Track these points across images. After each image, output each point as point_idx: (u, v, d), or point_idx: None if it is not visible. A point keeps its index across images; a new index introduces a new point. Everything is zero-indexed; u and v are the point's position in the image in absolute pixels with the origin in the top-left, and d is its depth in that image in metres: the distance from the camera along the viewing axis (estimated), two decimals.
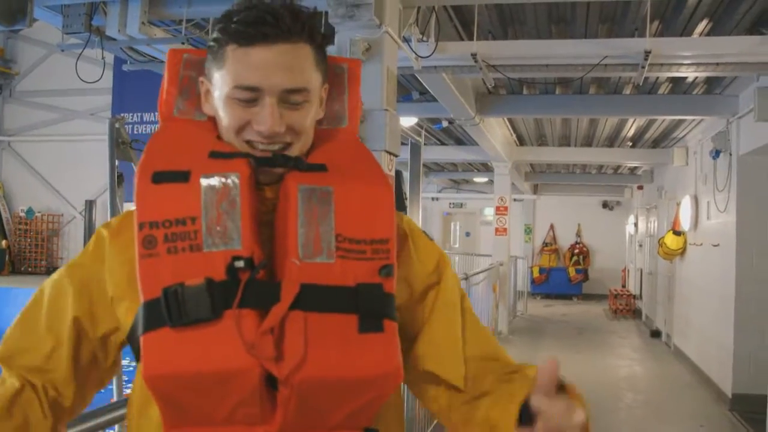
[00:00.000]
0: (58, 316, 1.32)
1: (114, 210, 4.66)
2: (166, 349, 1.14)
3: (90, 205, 18.14)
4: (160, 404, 1.17)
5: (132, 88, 12.57)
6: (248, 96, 1.25)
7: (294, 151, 1.29)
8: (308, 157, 1.31)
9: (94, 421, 1.96)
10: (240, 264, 1.16)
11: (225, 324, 1.14)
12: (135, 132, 12.70)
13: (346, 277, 1.20)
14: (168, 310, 1.14)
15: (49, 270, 18.43)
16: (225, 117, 1.27)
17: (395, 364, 1.20)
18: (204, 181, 1.21)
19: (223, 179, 1.21)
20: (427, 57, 5.21)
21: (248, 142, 1.27)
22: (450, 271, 1.43)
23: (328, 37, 1.34)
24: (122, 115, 4.54)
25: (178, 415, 1.18)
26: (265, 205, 1.27)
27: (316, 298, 1.17)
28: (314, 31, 1.29)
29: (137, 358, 1.27)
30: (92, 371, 1.35)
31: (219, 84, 1.28)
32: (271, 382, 1.15)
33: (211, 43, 1.30)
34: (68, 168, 18.51)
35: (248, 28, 1.23)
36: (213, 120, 1.34)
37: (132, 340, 1.26)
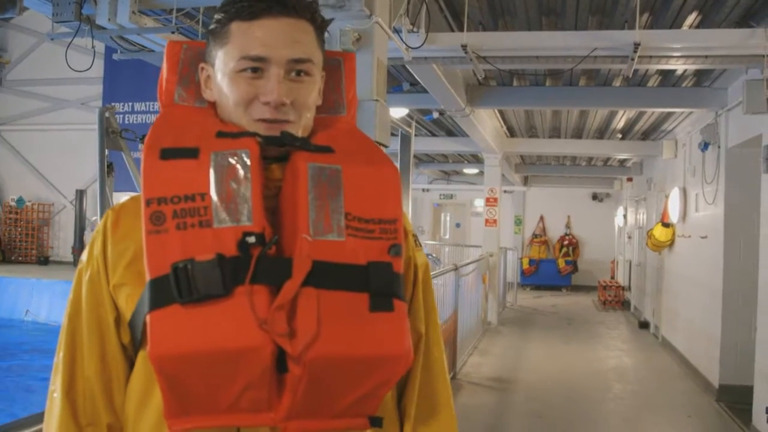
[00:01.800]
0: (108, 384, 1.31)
1: (103, 199, 4.66)
2: (175, 326, 1.12)
3: (80, 194, 18.20)
4: (164, 389, 1.15)
5: (123, 77, 12.54)
6: (255, 65, 1.26)
7: (298, 130, 1.30)
8: (312, 140, 1.31)
9: None
10: (251, 239, 1.15)
11: (236, 300, 1.13)
12: (126, 121, 12.69)
13: (357, 256, 1.20)
14: (177, 286, 1.13)
15: (40, 260, 18.41)
16: (231, 93, 1.28)
17: (406, 346, 1.20)
18: (214, 158, 1.21)
19: (233, 156, 1.21)
20: (418, 48, 5.22)
21: (255, 121, 1.28)
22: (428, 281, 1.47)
23: (328, 21, 1.36)
24: (112, 104, 4.53)
25: (182, 403, 1.16)
26: (269, 189, 1.27)
27: (327, 276, 1.17)
28: (315, 12, 1.32)
29: (139, 345, 1.26)
30: None
31: (224, 61, 1.29)
32: (279, 366, 1.14)
33: (214, 26, 1.32)
34: (59, 157, 18.48)
35: (253, 3, 1.26)
36: (213, 106, 1.35)
37: (134, 325, 1.26)
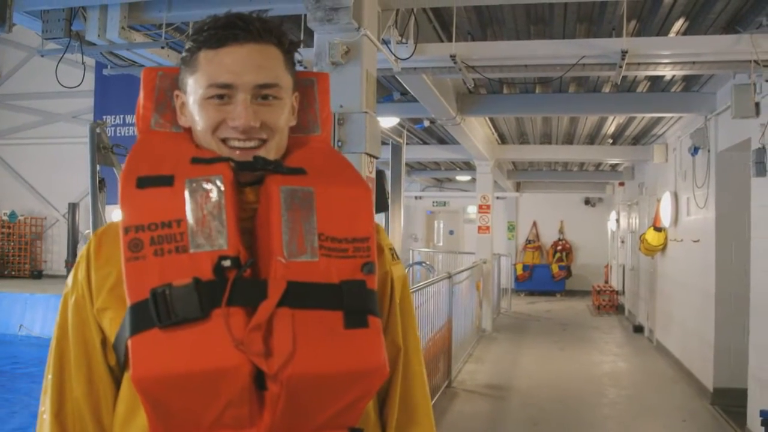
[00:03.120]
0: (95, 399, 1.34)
1: (95, 214, 4.66)
2: (155, 350, 1.16)
3: (73, 208, 18.16)
4: (148, 410, 1.18)
5: (114, 90, 12.51)
6: (222, 92, 1.29)
7: (270, 151, 1.33)
8: (285, 162, 1.34)
9: None
10: (227, 263, 1.19)
11: (213, 323, 1.16)
12: (118, 134, 12.65)
13: (330, 275, 1.23)
14: (156, 310, 1.16)
15: (33, 274, 18.35)
16: (200, 119, 1.32)
17: (381, 360, 1.24)
18: (188, 184, 1.24)
19: (207, 182, 1.25)
20: (407, 59, 5.24)
21: (224, 141, 1.31)
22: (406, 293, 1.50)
23: (296, 44, 1.39)
24: (103, 119, 4.53)
25: (166, 423, 1.19)
26: (245, 211, 1.30)
27: (302, 295, 1.20)
28: (282, 36, 1.35)
29: (123, 367, 1.29)
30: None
31: (193, 88, 1.32)
32: (259, 383, 1.17)
33: (184, 54, 1.36)
34: (51, 171, 18.46)
35: (218, 31, 1.30)
36: (189, 132, 1.37)
37: (117, 348, 1.28)
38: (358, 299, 1.24)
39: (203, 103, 1.31)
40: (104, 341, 1.32)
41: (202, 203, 1.23)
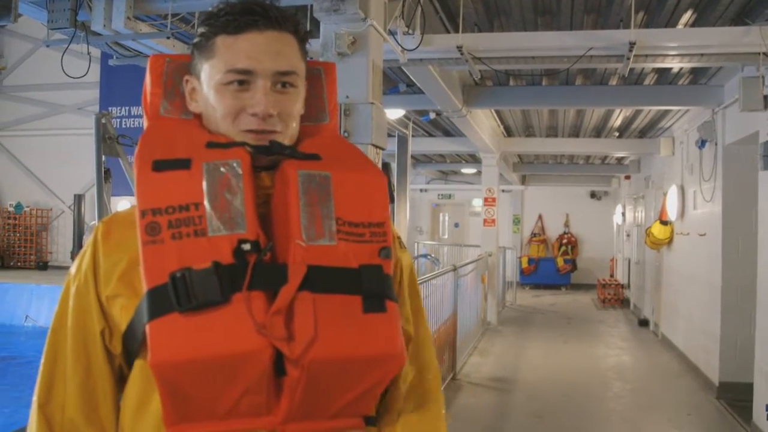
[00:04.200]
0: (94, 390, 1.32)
1: (101, 205, 4.66)
2: (175, 334, 1.15)
3: (78, 199, 18.16)
4: (164, 397, 1.17)
5: (120, 81, 12.51)
6: (241, 78, 1.28)
7: (284, 139, 1.32)
8: (299, 148, 1.34)
9: None
10: (247, 247, 1.18)
11: (234, 306, 1.15)
12: (123, 126, 12.66)
13: (348, 259, 1.23)
14: (176, 294, 1.15)
15: (39, 265, 18.40)
16: (218, 106, 1.31)
17: (399, 346, 1.24)
18: (206, 168, 1.23)
19: (225, 166, 1.24)
20: (413, 50, 5.22)
21: (243, 132, 1.30)
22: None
23: (309, 34, 1.39)
24: (109, 110, 4.52)
25: (181, 410, 1.18)
26: (258, 197, 1.29)
27: (322, 279, 1.20)
28: (298, 24, 1.35)
29: (135, 354, 1.27)
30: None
31: (210, 74, 1.31)
32: (276, 369, 1.17)
33: (198, 39, 1.34)
34: (56, 162, 18.47)
35: (237, 17, 1.29)
36: (199, 118, 1.37)
37: (130, 335, 1.26)
38: (376, 283, 1.24)
39: (221, 89, 1.30)
40: (104, 331, 1.30)
41: (221, 187, 1.22)
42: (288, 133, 1.33)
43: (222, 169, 1.23)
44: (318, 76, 1.46)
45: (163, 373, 1.14)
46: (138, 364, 1.27)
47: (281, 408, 1.19)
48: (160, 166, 1.23)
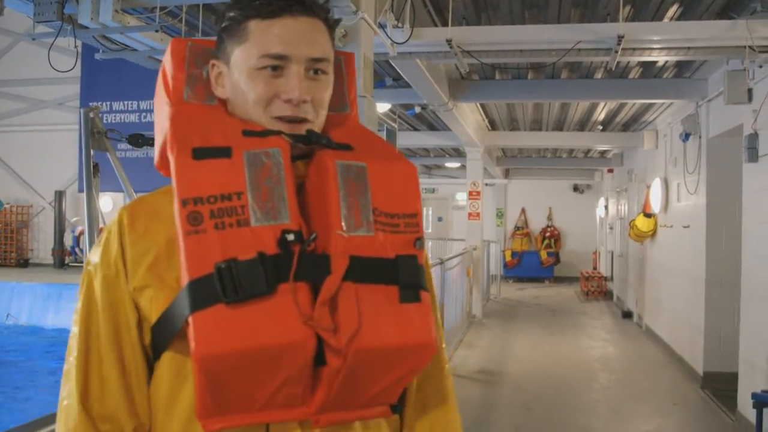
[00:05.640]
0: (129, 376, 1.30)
1: (90, 200, 4.62)
2: (221, 326, 1.13)
3: (59, 195, 18.03)
4: (203, 389, 1.16)
5: (101, 76, 12.36)
6: (275, 63, 1.27)
7: (315, 127, 1.32)
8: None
9: None
10: (291, 237, 1.18)
11: (280, 298, 1.15)
12: (105, 121, 12.47)
13: (386, 249, 1.24)
14: (222, 285, 1.14)
15: (20, 262, 18.25)
16: (251, 90, 1.29)
17: (433, 335, 1.25)
18: (246, 157, 1.22)
19: (266, 155, 1.23)
20: (403, 43, 5.22)
21: (274, 119, 1.29)
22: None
23: (337, 22, 1.38)
24: (97, 104, 4.48)
25: (218, 402, 1.17)
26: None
27: (362, 270, 1.20)
28: (329, 12, 1.35)
29: (164, 346, 1.26)
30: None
31: (242, 59, 1.30)
32: (315, 360, 1.17)
33: (227, 23, 1.32)
34: (36, 158, 18.33)
35: (272, 2, 1.28)
36: (223, 103, 1.35)
37: (162, 327, 1.25)
38: (412, 274, 1.25)
39: (253, 74, 1.28)
40: (139, 321, 1.29)
41: (263, 176, 1.21)
42: (318, 122, 1.33)
43: (263, 158, 1.22)
44: (339, 65, 1.45)
45: (207, 365, 1.13)
46: (167, 357, 1.26)
47: (316, 398, 1.20)
48: (200, 153, 1.21)
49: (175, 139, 1.24)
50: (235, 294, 1.14)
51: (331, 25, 1.36)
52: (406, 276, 1.24)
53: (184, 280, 1.16)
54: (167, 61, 1.38)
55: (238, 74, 1.30)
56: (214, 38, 1.38)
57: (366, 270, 1.21)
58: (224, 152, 1.22)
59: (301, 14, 1.29)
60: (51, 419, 1.85)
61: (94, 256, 1.32)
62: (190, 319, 1.15)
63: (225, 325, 1.14)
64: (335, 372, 1.17)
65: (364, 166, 1.28)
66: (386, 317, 1.20)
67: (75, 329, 1.31)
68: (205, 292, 1.14)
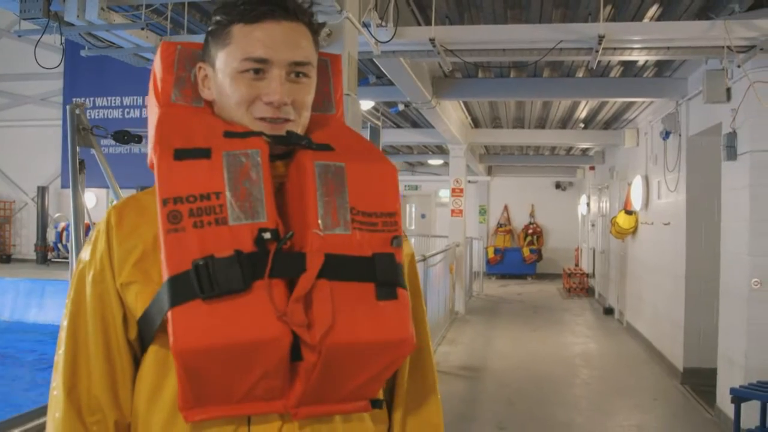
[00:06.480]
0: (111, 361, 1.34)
1: (75, 196, 4.62)
2: (198, 321, 1.17)
3: (42, 191, 17.92)
4: (183, 381, 1.20)
5: (84, 72, 12.31)
6: (257, 66, 1.31)
7: (297, 128, 1.36)
8: (311, 139, 1.37)
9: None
10: (267, 235, 1.21)
11: (256, 294, 1.19)
12: (88, 117, 12.49)
13: (362, 248, 1.27)
14: (199, 282, 1.18)
15: (2, 258, 18.13)
16: (233, 93, 1.33)
17: (410, 331, 1.28)
18: (226, 157, 1.26)
19: (245, 155, 1.27)
20: (387, 42, 5.26)
21: (256, 120, 1.33)
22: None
23: (321, 26, 1.42)
24: (82, 100, 4.48)
25: (198, 394, 1.21)
26: (272, 185, 1.32)
27: (338, 268, 1.24)
28: (313, 17, 1.39)
29: (149, 341, 1.31)
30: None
31: (225, 62, 1.34)
32: (292, 355, 1.21)
33: (213, 27, 1.37)
34: (19, 154, 18.22)
35: (256, 6, 1.32)
36: (210, 105, 1.39)
37: (146, 322, 1.29)
38: (388, 272, 1.28)
39: (236, 77, 1.32)
40: (125, 316, 1.33)
41: (241, 176, 1.25)
42: (300, 123, 1.36)
43: (242, 158, 1.26)
44: (325, 67, 1.49)
45: (185, 359, 1.17)
46: (152, 350, 1.31)
47: (295, 392, 1.24)
48: (181, 154, 1.25)
49: (158, 140, 1.28)
50: (212, 290, 1.17)
51: (315, 29, 1.39)
52: (382, 274, 1.27)
53: (165, 276, 1.21)
54: (157, 63, 1.42)
55: (222, 77, 1.35)
56: (202, 40, 1.42)
57: (342, 268, 1.24)
58: (204, 153, 1.26)
59: (284, 19, 1.32)
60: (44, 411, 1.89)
61: (84, 253, 1.37)
62: (169, 314, 1.19)
63: (202, 320, 1.18)
64: (311, 367, 1.21)
65: (343, 166, 1.32)
66: (361, 314, 1.24)
67: (64, 323, 1.36)
68: (183, 288, 1.19)
